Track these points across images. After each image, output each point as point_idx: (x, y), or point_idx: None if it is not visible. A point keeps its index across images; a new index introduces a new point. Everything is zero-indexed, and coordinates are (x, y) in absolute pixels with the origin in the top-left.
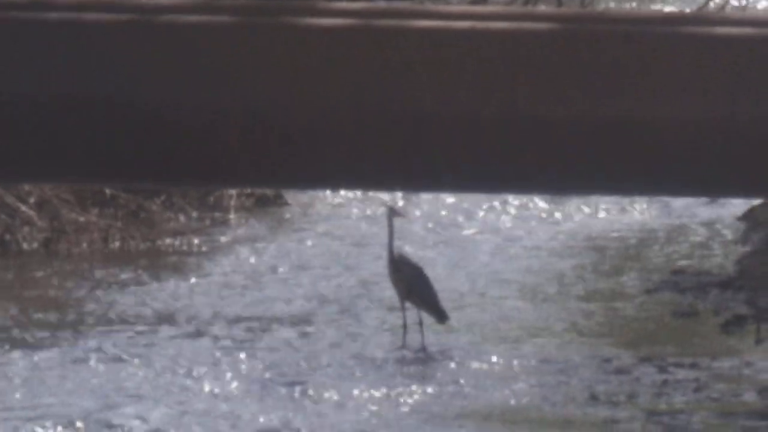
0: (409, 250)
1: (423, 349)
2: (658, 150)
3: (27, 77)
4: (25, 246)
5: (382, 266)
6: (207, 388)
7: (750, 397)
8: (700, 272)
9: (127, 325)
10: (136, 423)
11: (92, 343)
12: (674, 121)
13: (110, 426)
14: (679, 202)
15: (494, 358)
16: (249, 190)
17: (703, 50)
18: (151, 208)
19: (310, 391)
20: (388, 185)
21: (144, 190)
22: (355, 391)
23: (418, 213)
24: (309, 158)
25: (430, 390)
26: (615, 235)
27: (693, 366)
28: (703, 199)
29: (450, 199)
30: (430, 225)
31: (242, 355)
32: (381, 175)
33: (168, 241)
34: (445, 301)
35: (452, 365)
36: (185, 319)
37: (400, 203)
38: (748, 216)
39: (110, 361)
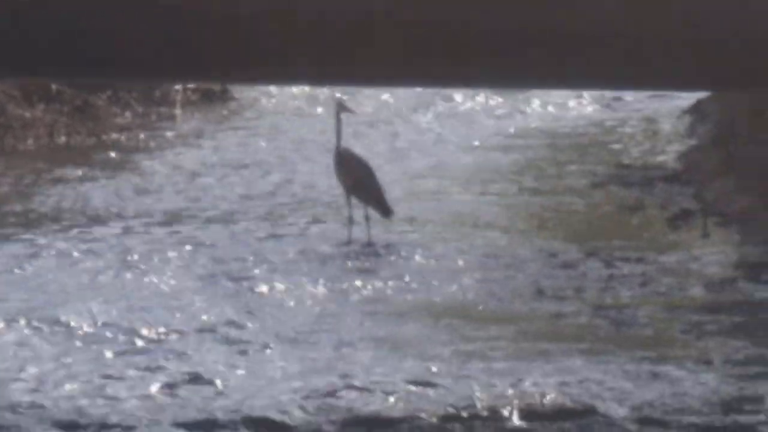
0: (354, 144)
1: (369, 244)
2: (606, 45)
3: None
4: None
5: (327, 162)
6: (152, 284)
7: (697, 291)
8: (646, 166)
9: (72, 222)
10: (81, 319)
11: (37, 239)
12: (627, 21)
13: (55, 322)
14: (625, 97)
15: (440, 253)
16: (195, 85)
17: None
18: (96, 104)
19: (256, 287)
20: (336, 80)
21: (90, 85)
22: (300, 288)
23: (367, 107)
24: (254, 52)
25: (375, 285)
26: (562, 129)
27: (639, 260)
28: (650, 94)
29: (397, 94)
30: (376, 119)
31: (187, 251)
32: (326, 70)
33: (114, 136)
34: (391, 195)
35: (398, 260)
36: (130, 215)
37: (346, 99)
38: (695, 109)
39: (56, 257)
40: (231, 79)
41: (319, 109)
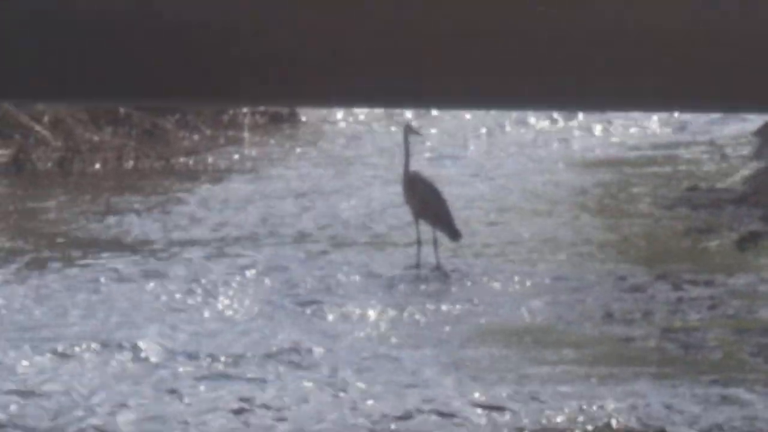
0: (424, 166)
1: (437, 267)
2: (676, 64)
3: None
4: (39, 166)
5: (396, 185)
6: (220, 308)
7: (765, 313)
8: (715, 189)
9: (141, 246)
10: (149, 342)
11: (107, 263)
12: (692, 34)
13: (123, 345)
14: (692, 119)
15: (509, 277)
16: (263, 108)
17: None
18: (165, 127)
19: (324, 311)
20: (404, 103)
21: (158, 108)
22: (369, 311)
23: (433, 131)
24: (322, 76)
25: (444, 309)
26: (630, 151)
27: (708, 283)
28: (718, 116)
29: (465, 117)
30: (445, 143)
31: (256, 275)
32: (396, 93)
33: (182, 159)
34: (459, 218)
35: (466, 284)
36: (199, 239)
37: (415, 122)
38: (763, 131)
39: (124, 281)
40: (296, 102)
41: (388, 131)
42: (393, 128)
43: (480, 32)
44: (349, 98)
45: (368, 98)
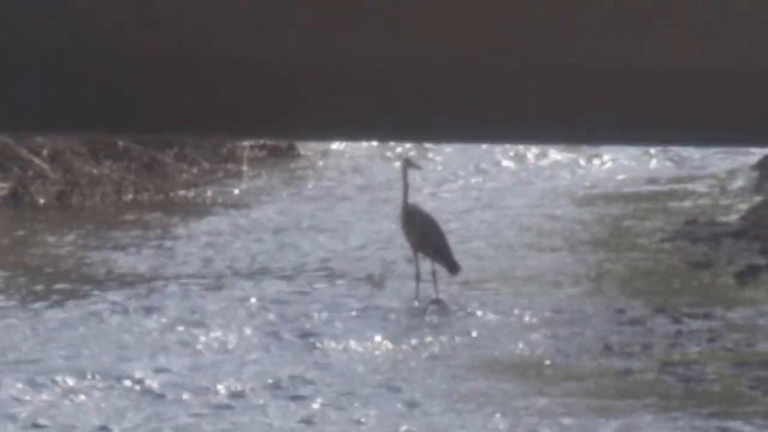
0: (421, 199)
1: (436, 300)
2: (674, 98)
3: (38, 26)
4: (38, 199)
5: (394, 218)
6: (219, 341)
7: (765, 347)
8: (714, 222)
9: (139, 279)
10: (149, 375)
11: (105, 295)
12: (689, 69)
13: (123, 378)
14: (692, 153)
15: (507, 310)
16: (262, 142)
17: None
18: (164, 160)
19: (323, 343)
20: (402, 136)
21: (157, 141)
22: (368, 343)
23: (431, 165)
24: (321, 109)
25: (443, 341)
26: (629, 185)
27: (707, 316)
28: (717, 150)
29: (461, 151)
30: (443, 177)
31: (254, 308)
32: (395, 126)
33: (181, 192)
34: (458, 252)
35: (465, 317)
36: (197, 273)
37: (412, 153)
38: (763, 165)
39: (123, 313)
40: (294, 136)
41: (386, 164)
42: (392, 162)
43: (481, 65)
44: (347, 132)
45: (368, 132)
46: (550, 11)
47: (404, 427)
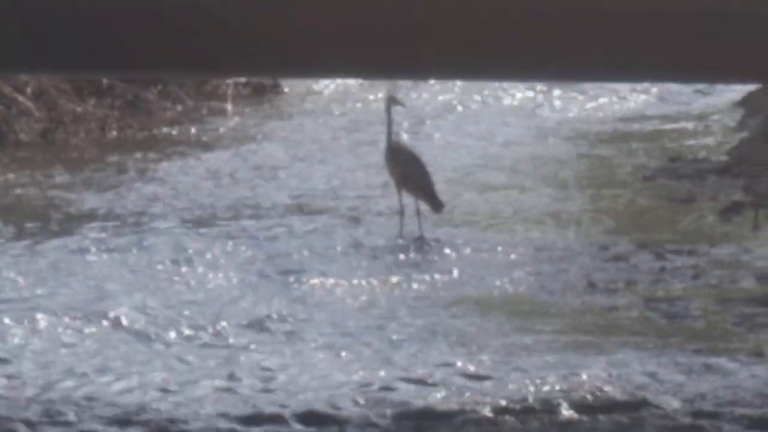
0: (405, 136)
1: (420, 237)
2: (661, 36)
3: None
4: (23, 137)
5: (378, 155)
6: (203, 278)
7: (748, 283)
8: (697, 159)
9: (124, 216)
10: (132, 313)
11: (87, 234)
12: (675, 11)
13: (105, 316)
14: (676, 89)
15: (491, 247)
16: (245, 79)
17: None
18: (147, 98)
19: (307, 281)
20: (382, 74)
21: (141, 79)
22: (352, 281)
23: (415, 102)
24: (304, 47)
25: (426, 278)
26: (613, 121)
27: (691, 253)
28: (700, 86)
29: (445, 88)
30: (425, 113)
31: (238, 245)
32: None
33: (165, 130)
34: (442, 189)
35: (449, 254)
36: (181, 211)
37: (396, 90)
38: (746, 102)
39: (104, 252)
40: (279, 73)
41: (370, 102)
42: (376, 100)
43: (461, 7)
44: (330, 69)
45: (350, 69)
46: None
47: (388, 364)
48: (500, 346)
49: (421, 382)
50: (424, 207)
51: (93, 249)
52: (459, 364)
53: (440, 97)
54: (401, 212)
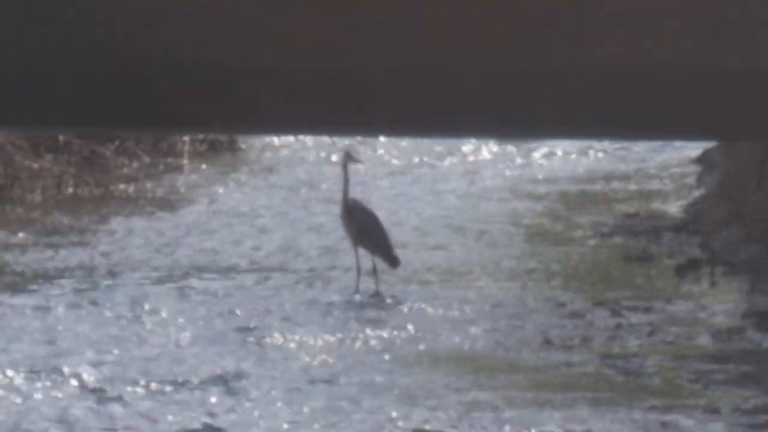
0: (361, 191)
1: (376, 294)
2: (618, 93)
3: None
4: None
5: (335, 212)
6: (160, 335)
7: (704, 340)
8: (654, 216)
9: (81, 272)
10: (87, 369)
11: (46, 290)
12: (633, 66)
13: (60, 372)
14: (633, 146)
15: (447, 303)
16: (202, 136)
17: None
18: (104, 154)
19: (264, 338)
20: (341, 131)
21: (97, 136)
22: (308, 337)
23: (371, 158)
24: (262, 103)
25: (383, 335)
26: (570, 178)
27: (647, 310)
28: (658, 144)
29: (403, 143)
30: (384, 171)
31: (194, 302)
32: (334, 121)
33: (121, 186)
34: (398, 245)
35: (406, 310)
36: (140, 266)
37: (352, 146)
38: (703, 159)
39: (65, 308)
40: (233, 130)
41: (325, 159)
42: (331, 156)
43: (424, 64)
44: (289, 126)
45: (312, 126)
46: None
47: (344, 421)
48: (457, 402)
49: None
50: (380, 263)
51: (48, 306)
52: (415, 419)
53: (395, 153)
54: (357, 268)
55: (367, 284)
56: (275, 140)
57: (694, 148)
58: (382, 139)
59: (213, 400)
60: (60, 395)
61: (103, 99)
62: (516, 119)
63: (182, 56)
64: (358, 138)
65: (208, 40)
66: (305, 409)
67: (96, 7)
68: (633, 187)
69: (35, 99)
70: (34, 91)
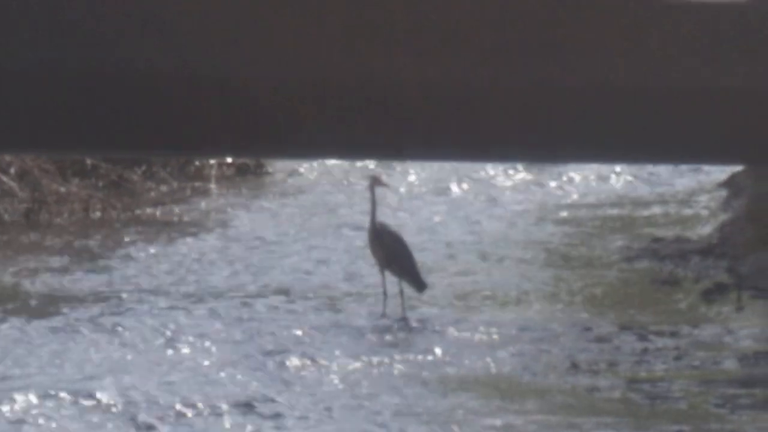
0: (389, 215)
1: (403, 318)
2: (644, 117)
3: (5, 48)
4: (6, 217)
5: (362, 236)
6: (187, 360)
7: (730, 365)
8: (680, 240)
9: (108, 296)
10: (116, 394)
11: (72, 314)
12: (660, 89)
13: (90, 397)
14: (660, 170)
15: (474, 327)
16: (230, 160)
17: (687, 19)
18: (131, 178)
19: (290, 362)
20: (368, 154)
21: (125, 159)
22: (335, 362)
23: (399, 183)
24: (290, 128)
25: (410, 359)
26: (596, 202)
27: (673, 334)
28: (685, 167)
29: (427, 168)
30: (409, 194)
31: (222, 326)
32: (361, 145)
33: (149, 210)
34: (425, 269)
35: (432, 334)
36: (166, 290)
37: (379, 171)
38: (730, 183)
39: (89, 332)
40: (258, 154)
41: (353, 182)
42: (359, 180)
43: (449, 86)
44: (316, 150)
45: (337, 151)
46: (518, 34)
47: None
48: (483, 427)
49: None
50: (407, 287)
51: (77, 329)
52: None
53: (423, 178)
54: (384, 293)
55: (395, 308)
56: (302, 164)
57: (720, 172)
58: (408, 162)
59: (240, 424)
60: (86, 420)
61: (125, 122)
62: (541, 143)
63: (205, 76)
64: (385, 162)
65: (238, 63)
66: None
67: (122, 33)
68: (659, 211)
69: (51, 121)
70: (48, 113)
